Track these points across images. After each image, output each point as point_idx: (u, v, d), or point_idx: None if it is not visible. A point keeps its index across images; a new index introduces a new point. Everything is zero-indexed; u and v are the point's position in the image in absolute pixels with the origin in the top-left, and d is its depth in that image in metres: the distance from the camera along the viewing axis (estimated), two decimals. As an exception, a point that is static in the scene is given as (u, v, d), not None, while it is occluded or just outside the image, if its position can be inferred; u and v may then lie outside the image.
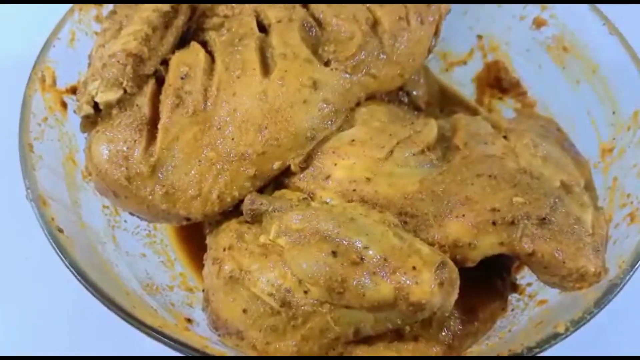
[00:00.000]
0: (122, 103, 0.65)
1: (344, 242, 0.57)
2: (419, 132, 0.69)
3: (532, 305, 0.70)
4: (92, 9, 0.78)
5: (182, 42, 0.71)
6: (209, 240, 0.68)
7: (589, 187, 0.69)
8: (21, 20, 1.02)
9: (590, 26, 0.79)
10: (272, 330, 0.59)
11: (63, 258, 0.60)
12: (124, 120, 0.65)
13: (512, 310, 0.71)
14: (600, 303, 0.59)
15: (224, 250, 0.62)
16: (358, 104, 0.70)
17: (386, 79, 0.71)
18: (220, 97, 0.65)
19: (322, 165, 0.65)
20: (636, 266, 0.61)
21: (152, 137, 0.65)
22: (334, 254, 0.57)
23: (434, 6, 0.74)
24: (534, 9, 0.85)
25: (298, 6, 0.71)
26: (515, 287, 0.73)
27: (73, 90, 0.74)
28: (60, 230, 0.62)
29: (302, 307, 0.57)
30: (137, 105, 0.65)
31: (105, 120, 0.66)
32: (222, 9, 0.73)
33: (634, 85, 0.73)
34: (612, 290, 0.60)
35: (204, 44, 0.71)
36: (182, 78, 0.66)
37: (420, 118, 0.74)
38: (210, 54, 0.69)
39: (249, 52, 0.67)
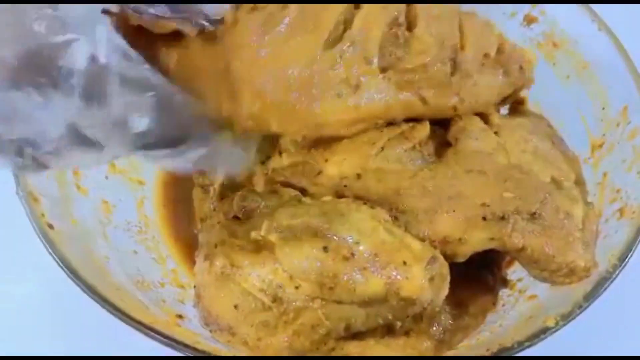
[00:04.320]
0: None
1: (335, 237, 0.58)
2: (411, 128, 0.69)
3: (522, 300, 0.70)
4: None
5: None
6: (200, 237, 0.68)
7: (579, 182, 0.69)
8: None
9: (580, 23, 0.79)
10: (263, 326, 0.59)
11: (53, 254, 0.60)
12: None
13: (503, 305, 0.71)
14: (590, 297, 0.59)
15: (215, 246, 0.62)
16: (391, 124, 0.65)
17: (437, 108, 0.65)
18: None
19: (313, 161, 0.65)
20: (626, 260, 0.62)
21: None
22: (325, 249, 0.57)
23: (526, 73, 0.69)
24: (524, 6, 0.85)
25: None
26: (505, 282, 0.74)
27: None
28: (51, 226, 0.62)
29: (294, 303, 0.58)
30: None
31: None
32: None
33: (623, 81, 0.74)
34: (601, 285, 0.60)
35: None
36: None
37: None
38: None
39: (329, 13, 0.61)
